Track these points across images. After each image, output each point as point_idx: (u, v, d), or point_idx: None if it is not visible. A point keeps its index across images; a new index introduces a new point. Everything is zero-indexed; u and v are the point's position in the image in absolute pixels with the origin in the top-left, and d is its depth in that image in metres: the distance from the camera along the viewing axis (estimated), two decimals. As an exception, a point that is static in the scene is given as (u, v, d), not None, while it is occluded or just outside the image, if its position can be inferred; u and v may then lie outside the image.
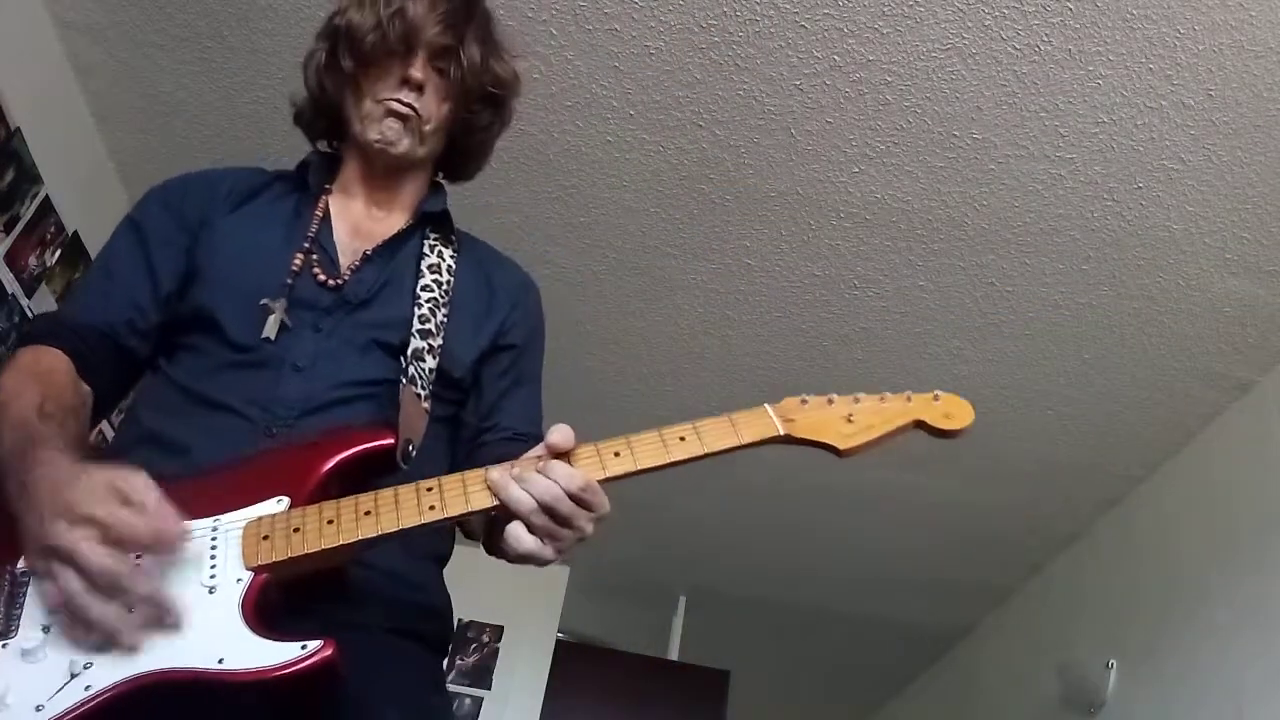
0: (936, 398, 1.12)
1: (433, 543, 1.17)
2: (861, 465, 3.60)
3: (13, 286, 2.26)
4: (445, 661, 1.24)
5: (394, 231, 1.29)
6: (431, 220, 1.33)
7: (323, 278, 1.21)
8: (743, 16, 2.05)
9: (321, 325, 1.18)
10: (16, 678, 0.88)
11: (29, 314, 2.32)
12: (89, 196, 2.56)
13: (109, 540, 0.87)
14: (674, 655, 4.34)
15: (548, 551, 0.98)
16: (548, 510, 0.97)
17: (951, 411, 1.12)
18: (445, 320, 1.24)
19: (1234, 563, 2.64)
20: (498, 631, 4.01)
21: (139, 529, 0.88)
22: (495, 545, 1.05)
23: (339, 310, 1.20)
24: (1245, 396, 2.77)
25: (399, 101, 1.25)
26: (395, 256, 1.27)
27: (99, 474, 0.93)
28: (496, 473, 1.00)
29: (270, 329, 1.15)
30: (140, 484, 0.91)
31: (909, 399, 1.12)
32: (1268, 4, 1.86)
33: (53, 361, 1.13)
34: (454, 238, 1.34)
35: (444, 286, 1.26)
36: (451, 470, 1.20)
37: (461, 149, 1.40)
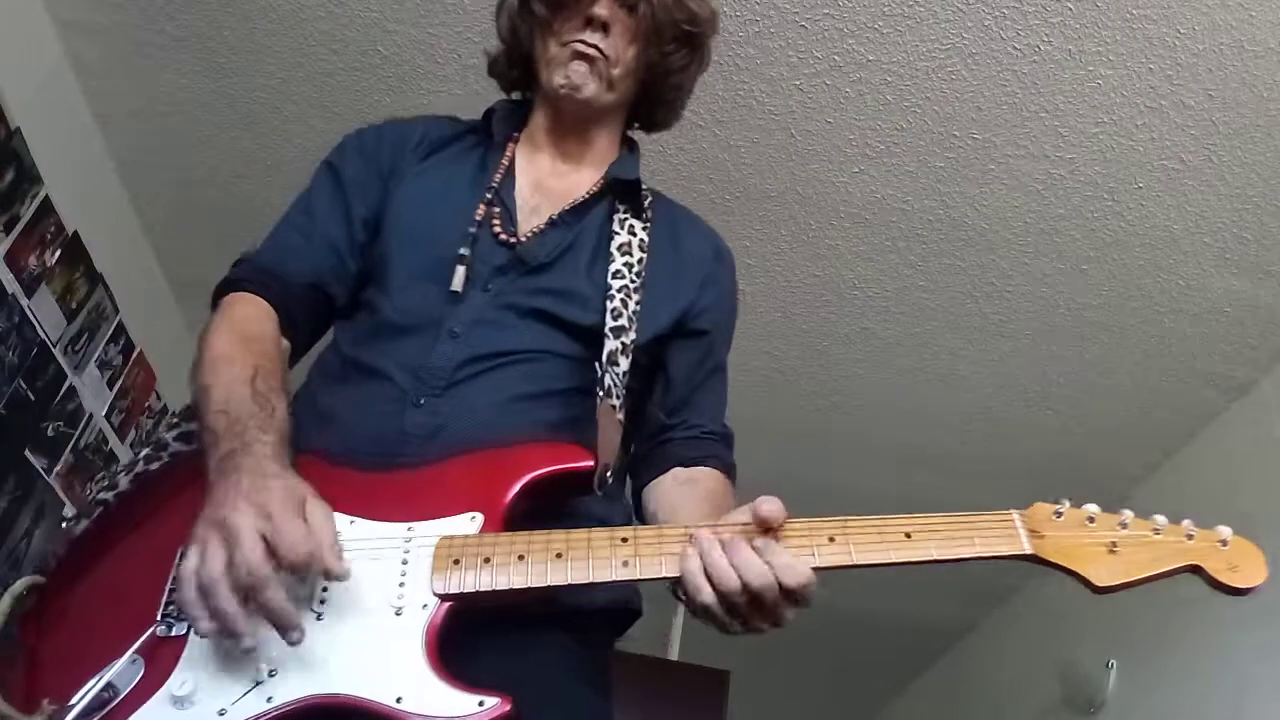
0: (1224, 542, 0.94)
1: (603, 513, 1.11)
2: (861, 465, 3.61)
3: (13, 286, 2.26)
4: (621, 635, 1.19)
5: (579, 193, 1.23)
6: (621, 187, 1.27)
7: (501, 234, 1.17)
8: (743, 16, 2.05)
9: (491, 285, 1.15)
10: (205, 677, 0.88)
11: (29, 314, 2.32)
12: (89, 196, 2.56)
13: (269, 543, 0.86)
14: (674, 655, 4.34)
15: (728, 619, 0.90)
16: (753, 597, 0.88)
17: (1239, 563, 0.93)
18: (638, 308, 1.17)
19: (1234, 563, 2.63)
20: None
21: (298, 548, 0.86)
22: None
23: (512, 270, 1.16)
24: (1245, 396, 2.77)
25: (583, 42, 1.21)
26: (581, 221, 1.22)
27: (298, 487, 0.91)
28: (701, 534, 0.91)
29: (457, 282, 1.13)
30: (322, 511, 0.90)
31: (1189, 535, 0.95)
32: (1268, 4, 1.86)
33: (261, 322, 1.12)
34: (646, 206, 1.27)
35: (635, 269, 1.20)
36: (634, 469, 1.18)
37: (655, 95, 1.33)
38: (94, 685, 0.87)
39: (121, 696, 0.87)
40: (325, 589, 0.92)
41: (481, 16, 2.14)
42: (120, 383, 2.77)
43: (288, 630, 0.86)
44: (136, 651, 0.90)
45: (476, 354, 1.10)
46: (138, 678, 0.88)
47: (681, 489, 1.14)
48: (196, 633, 0.87)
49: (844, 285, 2.67)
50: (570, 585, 0.92)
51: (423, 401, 1.07)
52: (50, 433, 2.45)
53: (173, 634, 0.91)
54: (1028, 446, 3.10)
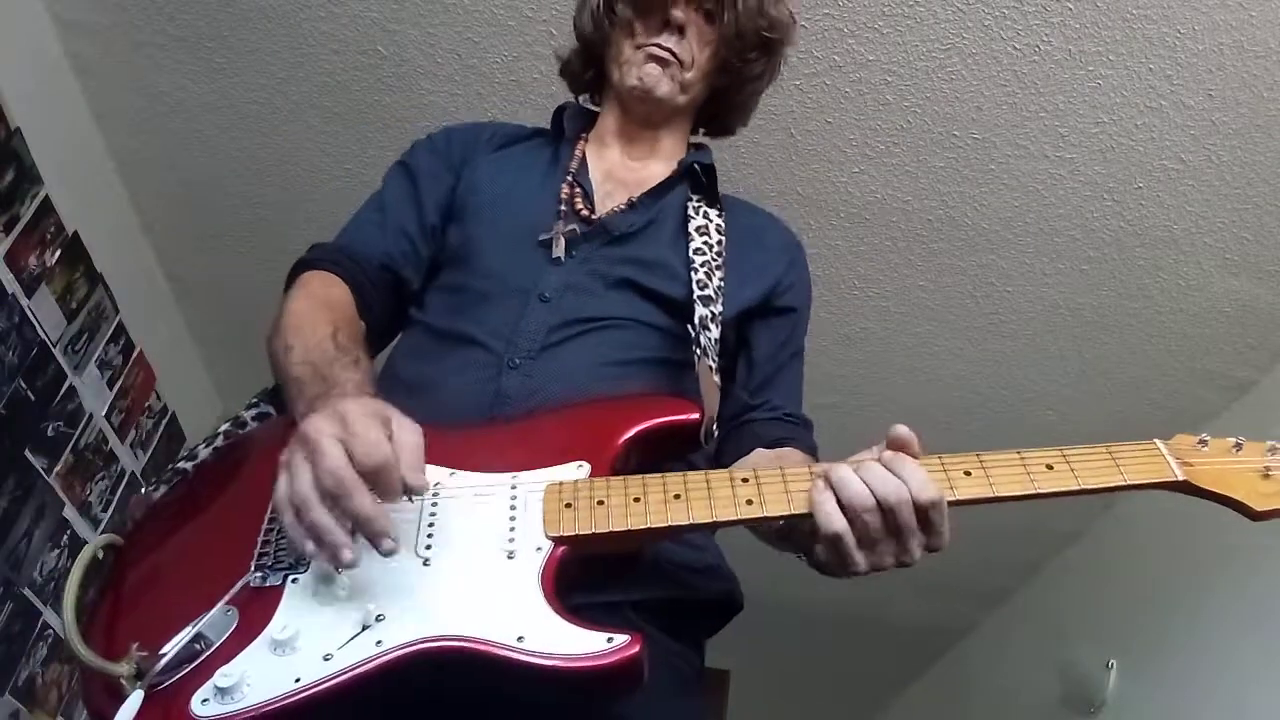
0: None
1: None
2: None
3: (13, 286, 2.26)
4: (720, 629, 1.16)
5: (654, 180, 1.25)
6: (693, 177, 1.27)
7: (582, 210, 1.20)
8: (743, 16, 2.05)
9: (576, 251, 1.16)
10: (308, 620, 0.83)
11: (29, 314, 2.32)
12: (89, 196, 2.56)
13: (350, 451, 0.83)
14: (674, 655, 4.34)
15: (857, 553, 0.85)
16: (886, 512, 0.84)
17: None
18: (722, 284, 1.17)
19: (1234, 562, 2.64)
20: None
21: (373, 452, 0.82)
22: (785, 535, 0.93)
23: (596, 239, 1.18)
24: (1245, 396, 2.77)
25: (658, 46, 1.22)
26: (659, 202, 1.23)
27: (381, 405, 0.89)
28: (830, 466, 0.87)
29: (558, 249, 1.14)
30: (409, 427, 0.87)
31: None
32: (1268, 4, 1.86)
33: (340, 293, 1.13)
34: (718, 197, 1.28)
35: (715, 249, 1.19)
36: (714, 452, 1.15)
37: (727, 101, 1.35)
38: (185, 635, 0.83)
39: (215, 646, 0.83)
40: (431, 534, 0.89)
41: (482, 17, 2.15)
42: (120, 383, 2.76)
43: (380, 538, 0.82)
44: (229, 602, 0.86)
45: (568, 319, 1.11)
46: (232, 627, 0.85)
47: (771, 461, 1.11)
48: (304, 554, 0.84)
49: (844, 285, 2.67)
50: (692, 525, 0.88)
51: (518, 362, 1.07)
52: (50, 433, 2.45)
53: (268, 584, 0.88)
54: (1028, 446, 3.10)
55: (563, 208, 1.19)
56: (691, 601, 1.06)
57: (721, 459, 1.16)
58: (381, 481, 0.83)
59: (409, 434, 0.86)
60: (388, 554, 0.82)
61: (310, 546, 0.83)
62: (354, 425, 0.84)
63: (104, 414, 2.69)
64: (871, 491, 0.84)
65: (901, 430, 0.88)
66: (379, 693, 0.81)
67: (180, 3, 2.21)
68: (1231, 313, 2.52)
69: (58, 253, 2.42)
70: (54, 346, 2.43)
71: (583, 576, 0.91)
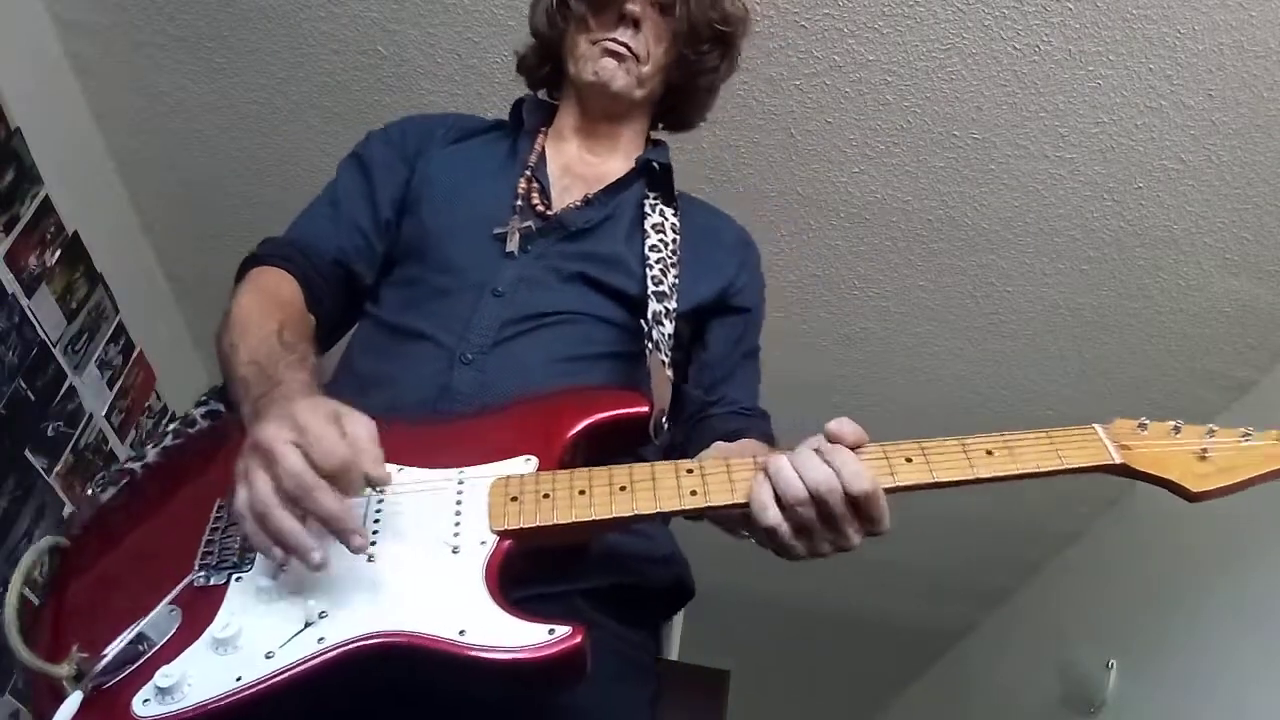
0: None
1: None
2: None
3: (13, 286, 2.26)
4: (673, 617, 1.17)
5: (612, 176, 1.26)
6: (650, 174, 1.29)
7: (539, 205, 1.20)
8: (743, 16, 2.05)
9: (531, 246, 1.16)
10: (249, 619, 0.83)
11: (29, 314, 2.32)
12: (89, 196, 2.56)
13: (307, 454, 0.83)
14: (674, 655, 4.34)
15: (795, 542, 0.86)
16: (818, 503, 0.84)
17: None
18: (676, 281, 1.18)
19: (1235, 562, 2.64)
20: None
21: (334, 451, 0.83)
22: (738, 522, 0.95)
23: (552, 234, 1.18)
24: (1245, 396, 2.77)
25: (614, 41, 1.23)
26: (616, 199, 1.24)
27: (329, 403, 0.89)
28: (770, 457, 0.88)
29: (513, 243, 1.15)
30: (361, 420, 0.87)
31: None
32: (1268, 4, 1.86)
33: (290, 290, 1.13)
34: (675, 195, 1.30)
35: (670, 246, 1.21)
36: (671, 451, 1.16)
37: (684, 95, 1.36)
38: (127, 636, 0.83)
39: (158, 646, 0.83)
40: (376, 530, 0.89)
41: (482, 17, 2.15)
42: (120, 383, 2.76)
43: (349, 535, 0.82)
44: (172, 602, 0.86)
45: (521, 313, 1.11)
46: (175, 627, 0.85)
47: (729, 451, 1.11)
48: (270, 559, 0.84)
49: (844, 285, 2.66)
50: (637, 517, 0.88)
51: (470, 357, 1.08)
52: (50, 433, 2.45)
53: (212, 583, 0.88)
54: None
55: (519, 202, 1.19)
56: (642, 589, 1.07)
57: (682, 454, 1.16)
58: (343, 479, 0.84)
59: (362, 427, 0.86)
60: (358, 550, 0.83)
61: (278, 553, 0.83)
62: (308, 427, 0.84)
63: (104, 414, 2.69)
64: (804, 482, 0.84)
65: (836, 426, 0.88)
66: (323, 689, 0.81)
67: (180, 3, 2.21)
68: (1231, 313, 2.52)
69: (58, 253, 2.42)
70: (54, 346, 2.43)
71: (531, 569, 0.91)
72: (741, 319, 1.27)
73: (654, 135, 1.40)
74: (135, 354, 2.84)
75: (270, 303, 1.09)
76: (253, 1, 2.19)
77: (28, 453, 2.36)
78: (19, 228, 2.27)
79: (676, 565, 1.14)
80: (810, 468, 0.84)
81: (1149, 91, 2.05)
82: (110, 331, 2.70)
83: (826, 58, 2.11)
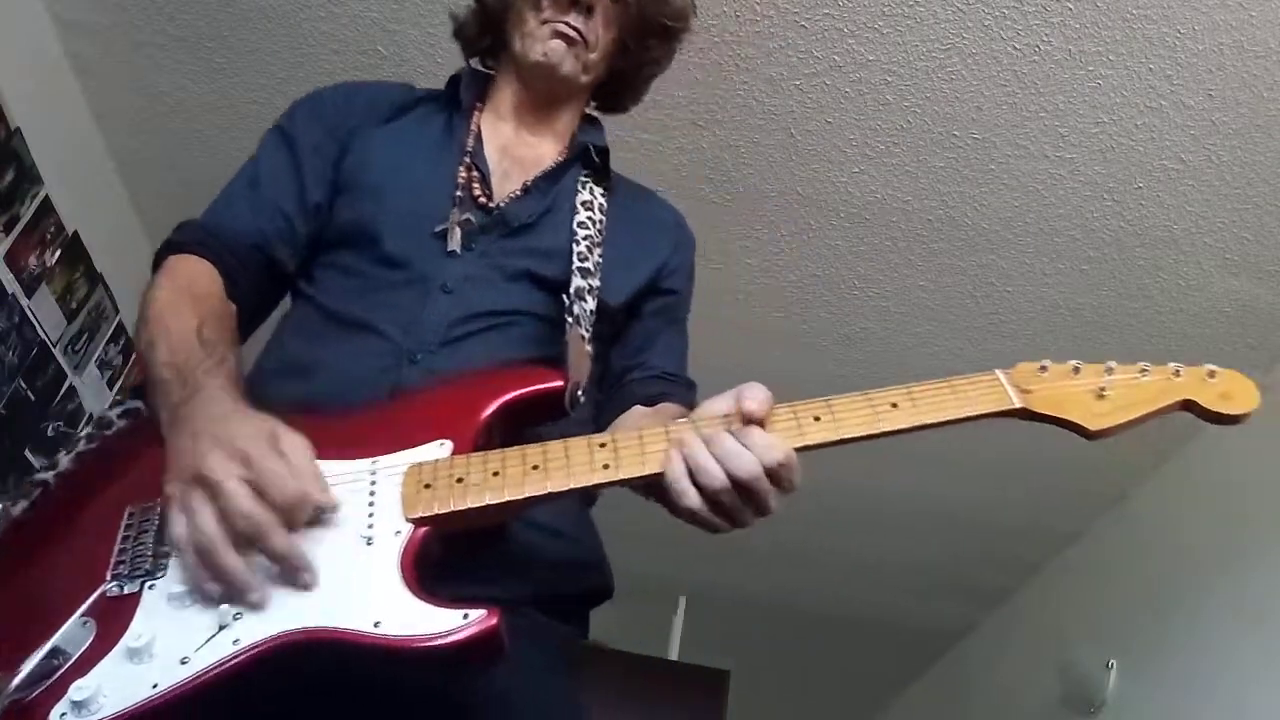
0: (1212, 374, 0.93)
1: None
2: (862, 465, 3.61)
3: (13, 286, 2.26)
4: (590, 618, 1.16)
5: (549, 160, 1.24)
6: (589, 155, 1.26)
7: (480, 197, 1.17)
8: (743, 16, 2.05)
9: (475, 244, 1.13)
10: (164, 625, 0.82)
11: (29, 314, 2.32)
12: (89, 196, 2.56)
13: (253, 487, 0.82)
14: (674, 655, 4.34)
15: (715, 519, 0.87)
16: (740, 487, 0.85)
17: (1231, 391, 0.92)
18: (600, 261, 1.17)
19: (1235, 562, 2.64)
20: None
21: (287, 487, 0.82)
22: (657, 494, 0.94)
23: (494, 231, 1.15)
24: (1245, 396, 2.77)
25: (567, 24, 1.20)
26: (555, 186, 1.22)
27: (261, 419, 0.88)
28: (681, 432, 0.88)
29: (455, 242, 1.11)
30: (299, 444, 0.86)
31: (1176, 373, 0.93)
32: (1268, 4, 1.86)
33: (207, 282, 1.09)
34: (607, 175, 1.28)
35: (598, 225, 1.20)
36: (597, 417, 1.17)
37: (623, 81, 1.34)
38: (41, 651, 0.82)
39: (73, 660, 0.82)
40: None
41: (481, 16, 2.15)
42: (120, 383, 2.76)
43: (301, 572, 0.82)
44: (85, 614, 0.85)
45: (471, 312, 1.09)
46: (89, 640, 0.83)
47: (648, 417, 1.11)
48: (206, 596, 0.82)
49: (844, 285, 2.67)
50: (551, 494, 0.88)
51: (419, 358, 1.05)
52: (50, 433, 2.45)
53: (125, 592, 0.86)
54: (1028, 446, 3.10)
55: (459, 194, 1.15)
56: (566, 595, 1.07)
57: (601, 420, 1.16)
58: (297, 514, 0.83)
59: (301, 452, 0.86)
60: (309, 588, 0.83)
61: (214, 589, 0.82)
62: (257, 462, 0.83)
63: (104, 414, 2.69)
64: (724, 470, 0.85)
65: (749, 404, 0.88)
66: (245, 689, 0.81)
67: (180, 3, 2.21)
68: (1231, 313, 2.52)
69: (58, 253, 2.42)
70: (54, 346, 2.44)
71: (452, 560, 0.90)
72: (668, 299, 1.26)
73: (588, 112, 1.37)
74: (135, 354, 2.84)
75: (188, 296, 1.05)
76: (253, 1, 2.19)
77: (28, 453, 2.36)
78: (19, 228, 2.27)
79: (602, 570, 1.13)
80: (731, 455, 0.85)
81: (1149, 91, 2.05)
82: (110, 331, 2.70)
83: (826, 58, 2.11)
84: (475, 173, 1.18)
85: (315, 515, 0.85)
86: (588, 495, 1.10)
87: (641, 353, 1.22)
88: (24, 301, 2.30)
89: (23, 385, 2.32)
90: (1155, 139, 2.14)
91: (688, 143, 2.34)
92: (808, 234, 2.53)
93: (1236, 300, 2.49)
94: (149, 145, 2.56)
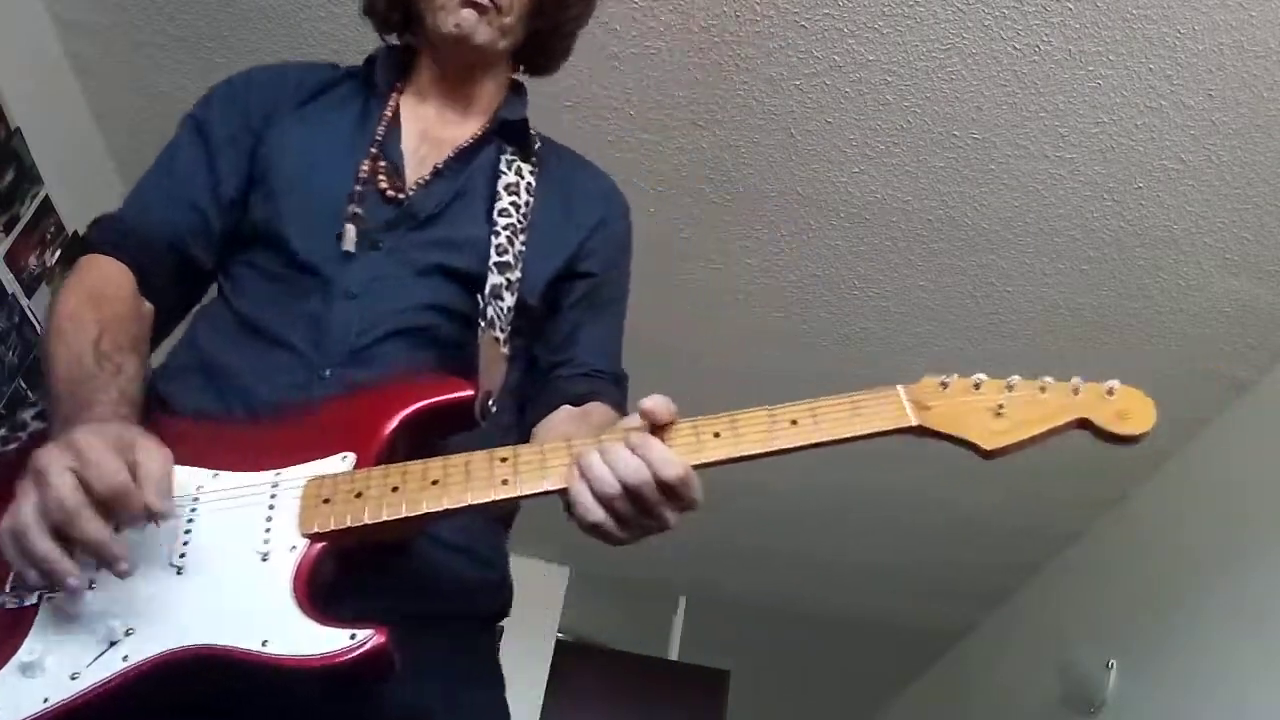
0: (1111, 391, 0.90)
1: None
2: (862, 465, 3.61)
3: (13, 286, 2.26)
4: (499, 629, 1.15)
5: (467, 139, 1.18)
6: (509, 130, 1.21)
7: (387, 190, 1.11)
8: (743, 16, 2.05)
9: (382, 242, 1.08)
10: (58, 640, 0.83)
11: (29, 314, 2.32)
12: (89, 196, 2.56)
13: (79, 478, 0.82)
14: (674, 655, 4.34)
15: (620, 533, 0.87)
16: (632, 496, 0.84)
17: (1129, 410, 0.90)
18: (524, 249, 1.12)
19: (1235, 562, 2.64)
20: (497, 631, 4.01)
21: (109, 478, 0.81)
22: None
23: (402, 225, 1.10)
24: (1245, 396, 2.77)
25: None
26: (469, 167, 1.16)
27: (123, 429, 0.87)
28: (583, 446, 0.88)
29: (349, 242, 1.06)
30: (155, 454, 0.85)
31: (1076, 390, 0.91)
32: (1268, 4, 1.86)
33: (114, 283, 1.06)
34: (534, 149, 1.22)
35: (522, 210, 1.14)
36: (521, 414, 1.13)
37: (544, 41, 1.27)
38: None
39: None
40: (187, 542, 0.88)
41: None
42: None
43: (113, 561, 0.81)
44: None
45: (377, 318, 1.05)
46: None
47: (573, 421, 1.09)
48: (27, 584, 0.83)
49: (844, 285, 2.67)
50: (448, 511, 0.87)
51: (329, 373, 1.02)
52: (50, 433, 2.45)
53: (24, 605, 0.86)
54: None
55: (358, 188, 1.09)
56: (466, 615, 1.06)
57: (529, 420, 1.14)
58: (120, 508, 0.82)
59: (155, 460, 0.85)
60: (124, 576, 0.82)
61: (33, 575, 0.81)
62: (86, 453, 0.82)
63: (104, 414, 2.69)
64: (617, 478, 0.84)
65: (651, 405, 0.88)
66: (136, 705, 0.81)
67: (180, 3, 2.21)
68: (1231, 313, 2.52)
69: (58, 253, 2.42)
70: (54, 346, 2.43)
71: (354, 575, 0.89)
72: (588, 282, 1.19)
73: (516, 77, 1.32)
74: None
75: (90, 304, 1.02)
76: (253, 1, 2.19)
77: (28, 453, 2.36)
78: (19, 228, 2.27)
79: (503, 591, 1.11)
80: (623, 463, 0.85)
81: (1149, 91, 2.05)
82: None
83: (826, 58, 2.11)
84: (383, 163, 1.13)
85: (150, 518, 0.84)
86: (504, 514, 1.10)
87: (567, 348, 1.17)
88: (24, 301, 2.30)
89: (23, 385, 2.32)
90: (1155, 139, 2.14)
91: (688, 143, 2.34)
92: (808, 234, 2.53)
93: (1236, 300, 2.49)
94: (149, 145, 2.54)
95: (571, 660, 4.01)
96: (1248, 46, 1.93)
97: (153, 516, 0.83)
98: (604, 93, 2.25)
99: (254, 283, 1.10)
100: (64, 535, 0.81)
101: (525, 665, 3.91)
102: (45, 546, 0.80)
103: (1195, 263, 2.41)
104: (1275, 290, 2.44)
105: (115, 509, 0.82)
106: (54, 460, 0.82)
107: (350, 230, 1.07)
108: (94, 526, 0.81)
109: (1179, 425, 2.91)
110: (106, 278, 1.07)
